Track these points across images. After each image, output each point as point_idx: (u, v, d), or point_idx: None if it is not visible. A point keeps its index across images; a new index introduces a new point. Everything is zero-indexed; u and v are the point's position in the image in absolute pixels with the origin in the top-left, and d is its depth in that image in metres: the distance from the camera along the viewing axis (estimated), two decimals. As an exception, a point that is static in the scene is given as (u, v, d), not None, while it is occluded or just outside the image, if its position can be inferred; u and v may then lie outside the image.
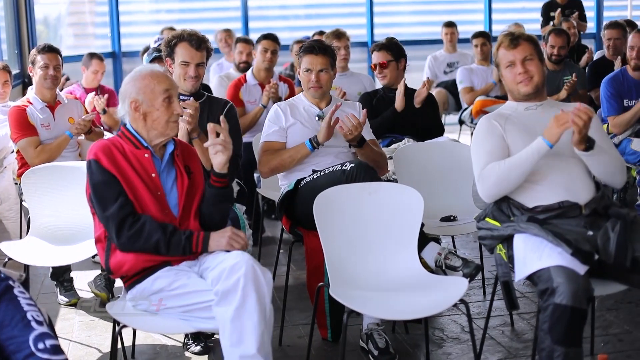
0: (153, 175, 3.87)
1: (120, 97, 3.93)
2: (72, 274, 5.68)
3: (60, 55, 6.06)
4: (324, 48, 5.20)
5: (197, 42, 4.97)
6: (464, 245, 6.59)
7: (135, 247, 3.74)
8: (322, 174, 4.81)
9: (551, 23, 10.50)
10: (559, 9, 11.06)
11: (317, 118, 5.17)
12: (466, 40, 11.04)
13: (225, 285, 3.57)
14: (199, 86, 5.09)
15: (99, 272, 5.56)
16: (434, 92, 10.01)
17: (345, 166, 4.69)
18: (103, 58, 8.56)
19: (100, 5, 12.71)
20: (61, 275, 5.59)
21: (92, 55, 8.50)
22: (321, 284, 4.38)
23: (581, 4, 11.89)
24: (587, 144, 3.93)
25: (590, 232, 3.91)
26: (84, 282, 5.75)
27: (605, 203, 4.08)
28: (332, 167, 4.79)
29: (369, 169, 4.70)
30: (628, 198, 7.65)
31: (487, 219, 4.20)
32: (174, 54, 5.00)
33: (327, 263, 4.22)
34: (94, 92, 7.63)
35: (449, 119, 10.47)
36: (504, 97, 9.17)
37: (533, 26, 12.73)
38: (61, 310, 5.48)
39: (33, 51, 6.05)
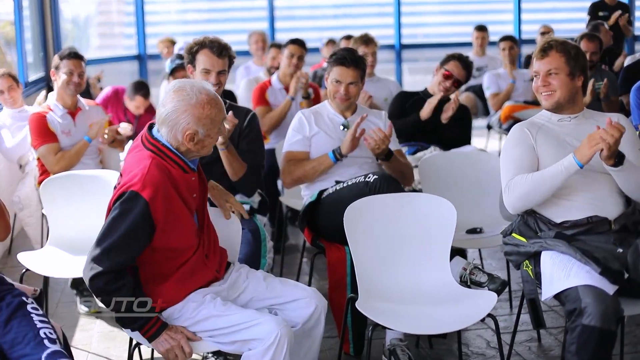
0: (194, 195, 3.69)
1: (168, 124, 3.54)
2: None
3: (84, 61, 6.00)
4: (356, 60, 5.07)
5: (219, 49, 4.89)
6: (491, 255, 6.48)
7: (99, 293, 3.54)
8: (345, 185, 4.73)
9: (605, 24, 10.29)
10: (619, 12, 10.91)
11: (341, 127, 5.08)
12: (494, 43, 10.95)
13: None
14: (221, 94, 5.01)
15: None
16: (462, 96, 9.90)
17: (369, 178, 4.60)
18: (148, 94, 8.48)
19: (129, 5, 12.66)
20: (81, 284, 5.54)
21: (137, 90, 8.35)
22: (351, 295, 4.30)
23: (629, 7, 11.74)
24: (617, 159, 3.81)
25: (620, 249, 3.82)
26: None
27: (635, 219, 3.98)
28: (356, 178, 4.70)
29: (392, 181, 4.61)
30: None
31: (513, 235, 4.10)
32: (195, 61, 4.92)
33: (357, 275, 4.15)
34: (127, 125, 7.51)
35: (477, 123, 10.32)
36: (533, 102, 9.07)
37: (563, 26, 12.66)
38: (81, 320, 5.43)
39: (56, 57, 5.99)
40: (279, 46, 8.53)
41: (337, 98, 5.08)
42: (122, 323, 3.59)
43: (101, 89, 8.97)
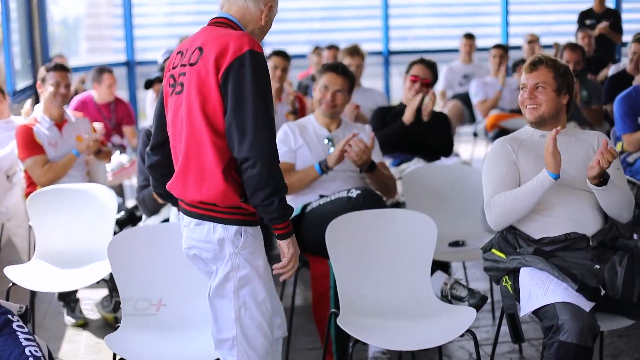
0: None
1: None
2: (80, 295, 5.66)
3: (71, 73, 6.05)
4: (346, 71, 5.18)
5: None
6: (476, 265, 6.52)
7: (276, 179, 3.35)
8: (328, 200, 4.78)
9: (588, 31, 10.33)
10: (605, 23, 11.00)
11: (326, 141, 5.12)
12: (481, 49, 11.02)
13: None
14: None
15: (106, 292, 5.53)
16: (450, 104, 9.97)
17: (351, 193, 4.66)
18: (112, 70, 8.47)
19: (117, 7, 12.65)
20: (68, 296, 5.57)
21: (101, 70, 8.31)
22: (333, 310, 4.36)
23: (618, 14, 11.79)
24: (601, 178, 3.88)
25: (597, 266, 3.88)
26: (91, 302, 5.73)
27: (613, 235, 4.04)
28: (339, 193, 4.76)
29: (374, 197, 4.67)
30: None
31: (493, 250, 4.16)
32: None
33: (338, 290, 4.19)
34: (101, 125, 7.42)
35: (464, 130, 10.38)
36: (520, 111, 9.08)
37: (551, 29, 12.72)
38: (67, 331, 5.47)
39: (42, 69, 6.04)
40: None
41: (324, 104, 5.13)
42: (282, 209, 3.37)
43: (84, 90, 8.91)
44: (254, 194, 3.32)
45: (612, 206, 4.01)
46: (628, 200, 4.06)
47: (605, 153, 3.79)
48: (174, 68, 3.50)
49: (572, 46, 8.27)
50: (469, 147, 10.14)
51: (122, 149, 7.94)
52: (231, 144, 3.30)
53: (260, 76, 3.28)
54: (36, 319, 5.27)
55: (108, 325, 5.42)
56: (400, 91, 6.74)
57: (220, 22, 3.46)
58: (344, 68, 5.19)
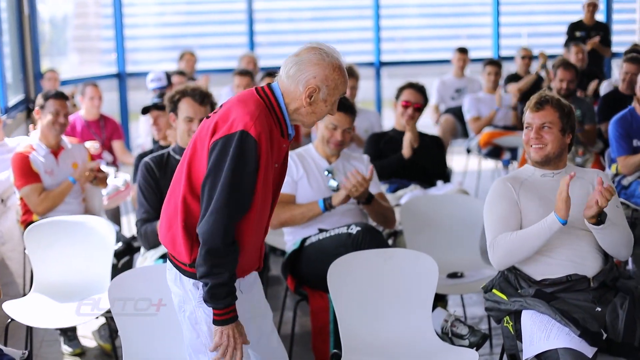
0: (276, 165, 3.48)
1: (293, 74, 3.39)
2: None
3: (69, 100, 6.03)
4: (352, 107, 5.18)
5: (200, 97, 4.97)
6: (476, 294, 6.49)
7: (218, 257, 3.29)
8: (328, 235, 4.78)
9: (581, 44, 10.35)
10: (595, 36, 11.06)
11: (326, 173, 5.11)
12: (474, 60, 11.04)
13: None
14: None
15: (103, 321, 5.51)
16: (442, 118, 9.97)
17: (351, 229, 4.67)
18: (97, 84, 8.43)
19: (106, 10, 12.62)
20: (65, 325, 5.55)
21: (86, 84, 8.32)
22: (334, 351, 4.36)
23: (607, 27, 11.84)
24: (599, 217, 3.89)
25: (599, 309, 3.89)
26: (88, 330, 5.70)
27: (613, 275, 4.05)
28: (339, 228, 4.76)
29: (374, 233, 4.68)
30: (637, 234, 7.58)
31: (494, 291, 4.15)
32: (177, 109, 4.98)
33: (340, 331, 4.20)
34: (94, 144, 7.38)
35: (457, 144, 10.38)
36: (513, 128, 9.13)
37: (542, 41, 12.76)
38: (64, 360, 5.46)
39: (40, 96, 5.98)
40: (240, 73, 8.44)
41: (332, 143, 5.13)
42: (211, 295, 3.32)
43: (74, 106, 8.86)
44: (196, 266, 3.34)
45: (611, 245, 4.02)
46: (627, 238, 4.07)
47: (603, 192, 3.79)
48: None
49: (565, 64, 8.25)
50: (462, 160, 10.15)
51: (114, 165, 7.91)
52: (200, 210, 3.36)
53: (241, 160, 3.28)
54: (33, 347, 5.24)
55: (105, 354, 5.42)
56: (391, 103, 6.71)
57: (260, 90, 3.45)
58: (351, 106, 5.17)
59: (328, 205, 4.93)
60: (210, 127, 3.36)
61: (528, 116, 4.19)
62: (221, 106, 3.47)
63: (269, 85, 3.45)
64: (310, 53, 3.40)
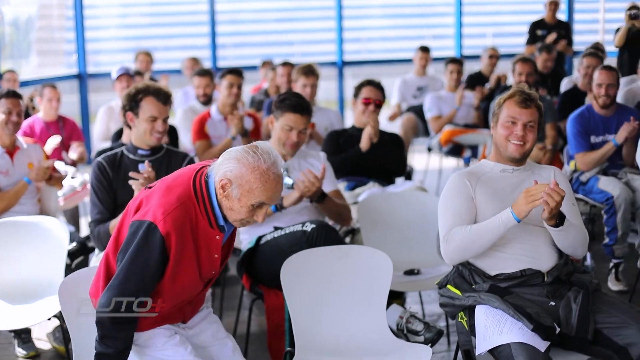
0: (216, 256, 3.50)
1: (218, 166, 3.40)
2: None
3: (22, 99, 5.95)
4: (307, 107, 5.14)
5: (164, 96, 4.92)
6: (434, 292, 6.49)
7: (107, 331, 3.40)
8: (283, 233, 4.75)
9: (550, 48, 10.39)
10: (554, 34, 11.11)
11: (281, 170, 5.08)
12: (436, 59, 11.05)
13: None
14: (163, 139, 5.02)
15: (58, 323, 5.44)
16: (404, 117, 9.97)
17: (306, 227, 4.64)
18: (55, 85, 8.35)
19: (70, 12, 12.52)
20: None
21: (45, 85, 8.22)
22: (288, 349, 4.32)
23: (569, 26, 11.91)
24: (558, 219, 3.88)
25: (552, 303, 3.90)
26: (43, 332, 5.63)
27: (568, 270, 4.04)
28: (294, 226, 4.73)
29: (329, 231, 4.65)
30: (596, 230, 7.64)
31: (448, 287, 4.14)
32: (139, 108, 4.90)
33: (294, 329, 4.17)
34: (55, 138, 7.34)
35: (419, 142, 10.39)
36: (473, 126, 9.15)
37: (504, 41, 12.82)
38: (18, 363, 5.39)
39: None
40: (201, 73, 8.39)
41: (288, 145, 5.10)
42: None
43: (34, 108, 8.77)
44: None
45: (568, 245, 4.02)
46: (583, 238, 4.06)
47: (551, 193, 3.76)
48: None
49: (523, 59, 8.36)
50: (423, 158, 10.16)
51: (74, 165, 7.84)
52: None
53: (144, 250, 3.33)
54: (-15, 351, 5.19)
55: (60, 357, 5.35)
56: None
57: (198, 177, 3.46)
58: (304, 104, 5.13)
59: (279, 206, 4.91)
60: (137, 202, 3.46)
61: (514, 111, 4.13)
62: (160, 181, 3.55)
63: (207, 176, 3.45)
64: (243, 150, 3.40)
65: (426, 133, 9.84)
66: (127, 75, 8.35)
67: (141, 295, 3.36)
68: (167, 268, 3.38)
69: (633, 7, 9.93)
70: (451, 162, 10.01)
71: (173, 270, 3.39)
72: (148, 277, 3.36)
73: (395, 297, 5.16)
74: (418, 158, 10.16)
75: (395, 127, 9.72)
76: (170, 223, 3.31)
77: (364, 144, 6.25)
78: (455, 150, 9.24)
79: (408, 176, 7.63)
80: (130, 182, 4.63)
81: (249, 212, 3.41)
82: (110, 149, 5.88)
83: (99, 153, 5.86)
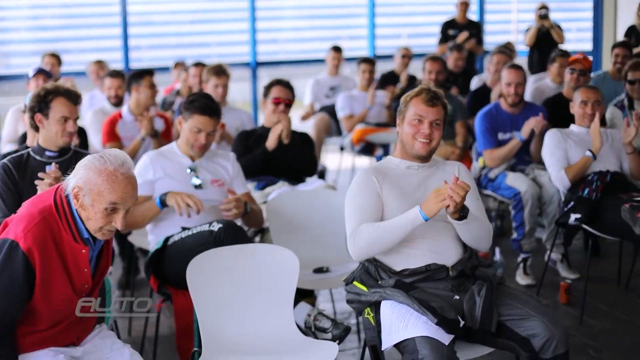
0: (85, 270, 3.45)
1: (71, 177, 3.38)
2: None
3: None
4: (216, 109, 5.11)
5: (75, 97, 4.83)
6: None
7: None
8: (190, 233, 4.72)
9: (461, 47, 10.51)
10: (465, 34, 11.27)
11: (188, 170, 5.06)
12: (348, 59, 11.09)
13: None
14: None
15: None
16: (317, 116, 9.99)
17: (213, 226, 4.61)
18: None
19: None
20: None
21: None
22: (195, 349, 4.29)
23: (480, 25, 12.08)
24: (461, 213, 3.93)
25: (457, 297, 3.94)
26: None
27: (472, 264, 4.09)
28: (201, 226, 4.70)
29: (237, 230, 4.63)
30: (505, 226, 7.76)
31: (355, 283, 4.16)
32: (49, 109, 4.80)
33: (200, 328, 4.14)
34: None
35: (332, 141, 10.41)
36: (385, 125, 9.22)
37: (416, 41, 12.95)
38: None
39: None
40: (112, 75, 8.29)
41: (196, 147, 5.06)
42: None
43: None
44: None
45: (472, 238, 4.08)
46: (487, 231, 4.12)
47: (455, 188, 3.81)
48: None
49: (432, 57, 8.48)
50: (336, 158, 10.19)
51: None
52: None
53: (7, 269, 3.29)
54: None
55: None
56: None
57: (59, 192, 3.45)
58: (213, 106, 5.10)
59: (163, 202, 4.88)
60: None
61: (420, 109, 4.17)
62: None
63: (66, 189, 3.41)
64: (91, 157, 3.40)
65: (339, 132, 9.85)
66: (44, 74, 8.21)
67: (8, 315, 3.31)
68: (36, 285, 3.34)
69: (542, 7, 10.16)
70: (364, 161, 10.06)
71: (43, 286, 3.35)
72: (13, 296, 3.31)
73: (306, 295, 5.15)
74: (331, 157, 10.18)
75: (308, 127, 9.71)
76: (31, 239, 3.29)
77: (271, 142, 6.24)
78: (367, 149, 9.30)
79: (321, 175, 7.63)
80: (37, 182, 4.54)
81: (105, 218, 3.37)
82: (16, 151, 5.77)
83: (4, 155, 5.75)
